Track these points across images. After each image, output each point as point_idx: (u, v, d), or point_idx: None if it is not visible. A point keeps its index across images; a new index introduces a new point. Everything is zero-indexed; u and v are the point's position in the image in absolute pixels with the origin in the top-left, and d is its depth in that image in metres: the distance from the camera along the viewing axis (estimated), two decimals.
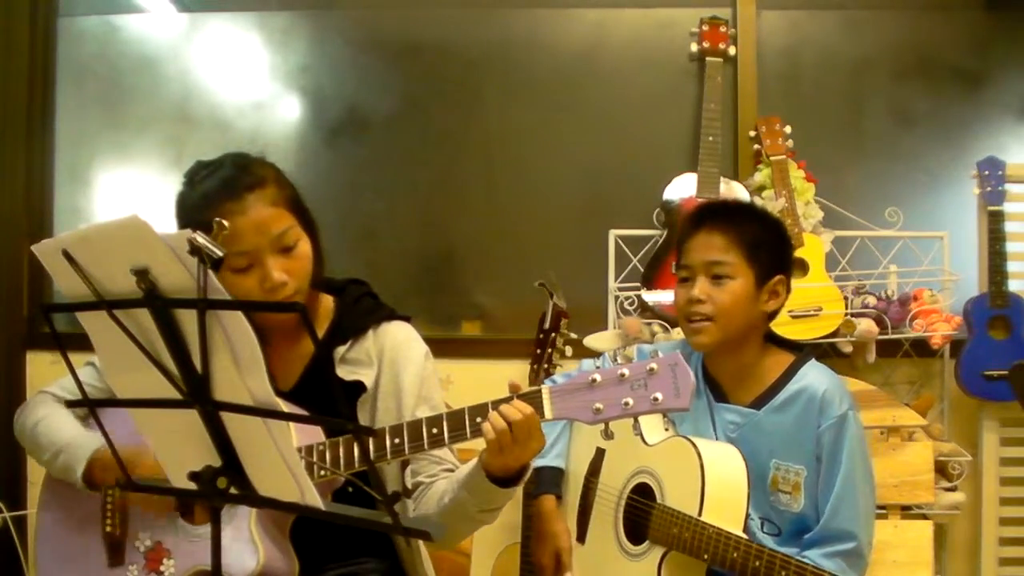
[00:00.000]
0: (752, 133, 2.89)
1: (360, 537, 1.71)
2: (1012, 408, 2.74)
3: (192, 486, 1.19)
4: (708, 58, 2.91)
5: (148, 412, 1.25)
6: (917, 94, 3.02)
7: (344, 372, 1.67)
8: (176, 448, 1.25)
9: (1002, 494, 2.86)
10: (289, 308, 1.14)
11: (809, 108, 3.00)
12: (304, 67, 3.14)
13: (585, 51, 3.06)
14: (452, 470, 1.67)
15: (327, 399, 1.61)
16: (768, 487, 1.79)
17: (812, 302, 2.66)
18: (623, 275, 2.87)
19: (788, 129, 2.84)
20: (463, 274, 3.13)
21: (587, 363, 2.06)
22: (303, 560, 1.60)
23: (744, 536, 1.64)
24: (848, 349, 2.73)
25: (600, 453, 1.92)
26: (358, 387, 1.68)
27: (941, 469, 2.64)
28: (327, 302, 1.76)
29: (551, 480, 2.00)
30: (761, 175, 2.82)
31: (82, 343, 1.25)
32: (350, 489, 1.62)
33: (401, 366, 1.70)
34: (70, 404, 1.65)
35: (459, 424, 1.46)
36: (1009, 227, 2.81)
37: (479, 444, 1.48)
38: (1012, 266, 2.80)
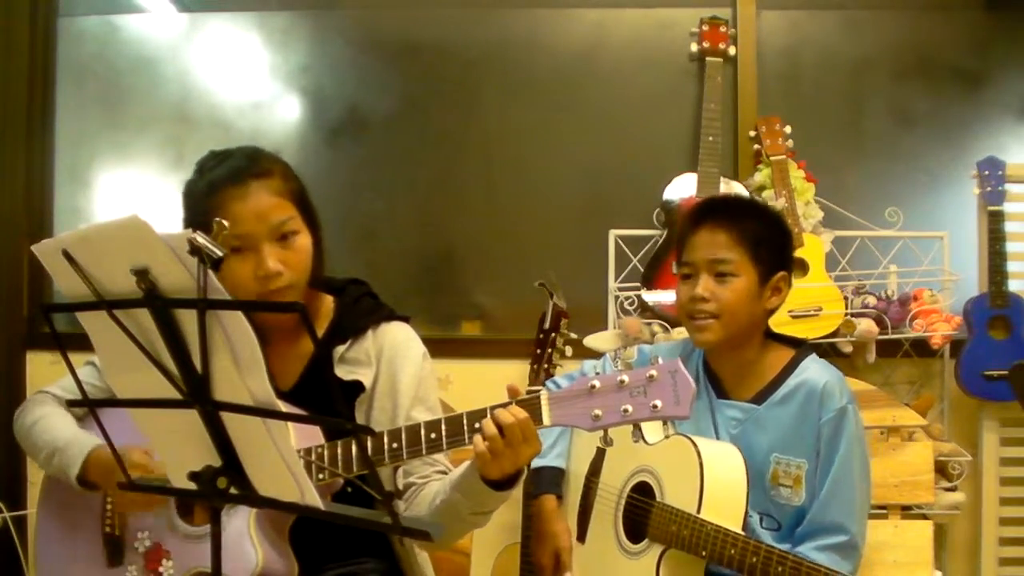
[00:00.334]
0: (752, 133, 2.89)
1: (359, 537, 1.71)
2: (1012, 408, 2.74)
3: (192, 486, 1.19)
4: (708, 58, 2.91)
5: (148, 412, 1.25)
6: (917, 94, 3.03)
7: (343, 372, 1.67)
8: (176, 448, 1.25)
9: (1002, 494, 2.86)
10: (289, 308, 1.14)
11: (809, 108, 3.00)
12: (304, 67, 3.14)
13: (585, 51, 3.06)
14: (445, 472, 1.67)
15: (326, 399, 1.61)
16: (768, 482, 1.79)
17: (812, 302, 2.66)
18: (623, 275, 2.87)
19: (788, 129, 2.84)
20: (463, 274, 3.13)
21: (589, 364, 2.06)
22: (302, 560, 1.60)
23: (742, 533, 1.64)
24: (848, 349, 2.73)
25: (600, 453, 1.92)
26: (357, 387, 1.68)
27: (941, 469, 2.64)
28: (327, 302, 1.76)
29: (551, 480, 2.00)
30: (761, 175, 2.82)
31: (82, 343, 1.24)
32: (349, 489, 1.61)
33: (398, 366, 1.70)
34: (70, 404, 1.65)
35: (457, 429, 1.45)
36: (1009, 227, 2.81)
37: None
38: (1012, 266, 2.80)
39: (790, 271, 1.88)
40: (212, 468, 1.18)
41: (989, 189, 2.81)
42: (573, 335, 2.65)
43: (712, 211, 1.87)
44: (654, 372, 1.32)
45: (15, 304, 3.07)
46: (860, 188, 2.97)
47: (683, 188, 2.84)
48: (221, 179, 1.59)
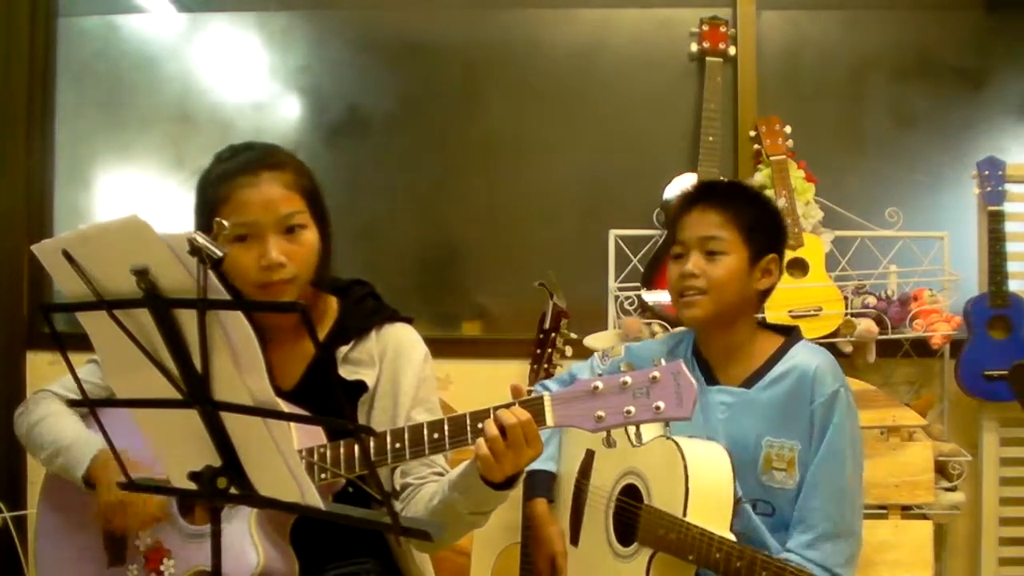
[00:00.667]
0: (752, 133, 2.89)
1: (360, 537, 1.71)
2: (1012, 408, 2.74)
3: (192, 486, 1.19)
4: (708, 58, 2.91)
5: (148, 412, 1.25)
6: (917, 94, 3.03)
7: (346, 372, 1.67)
8: (176, 448, 1.25)
9: (1002, 494, 2.86)
10: (290, 308, 1.14)
11: (809, 108, 3.00)
12: (304, 67, 3.14)
13: (585, 51, 3.06)
14: (442, 474, 1.67)
15: (328, 399, 1.61)
16: (760, 467, 1.78)
17: (812, 302, 2.66)
18: (623, 275, 2.87)
19: (788, 129, 2.84)
20: (463, 274, 3.13)
21: (577, 367, 2.07)
22: (303, 560, 1.60)
23: (727, 537, 1.64)
24: (848, 349, 2.74)
25: (590, 455, 1.92)
26: (360, 387, 1.68)
27: (941, 469, 2.64)
28: (331, 302, 1.76)
29: (542, 484, 2.00)
30: (761, 175, 2.82)
31: (82, 343, 1.25)
32: (350, 490, 1.62)
33: (400, 367, 1.70)
34: (70, 404, 1.66)
35: (460, 429, 1.45)
36: (1009, 227, 2.81)
37: None
38: (1012, 266, 2.80)
39: (782, 254, 1.88)
40: (212, 468, 1.18)
41: (989, 189, 2.81)
42: (573, 335, 2.65)
43: (704, 193, 1.89)
44: (657, 373, 1.32)
45: (15, 304, 3.07)
46: (860, 188, 2.96)
47: (683, 188, 2.83)
48: (235, 167, 1.60)
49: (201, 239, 1.06)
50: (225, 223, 1.23)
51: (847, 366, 2.72)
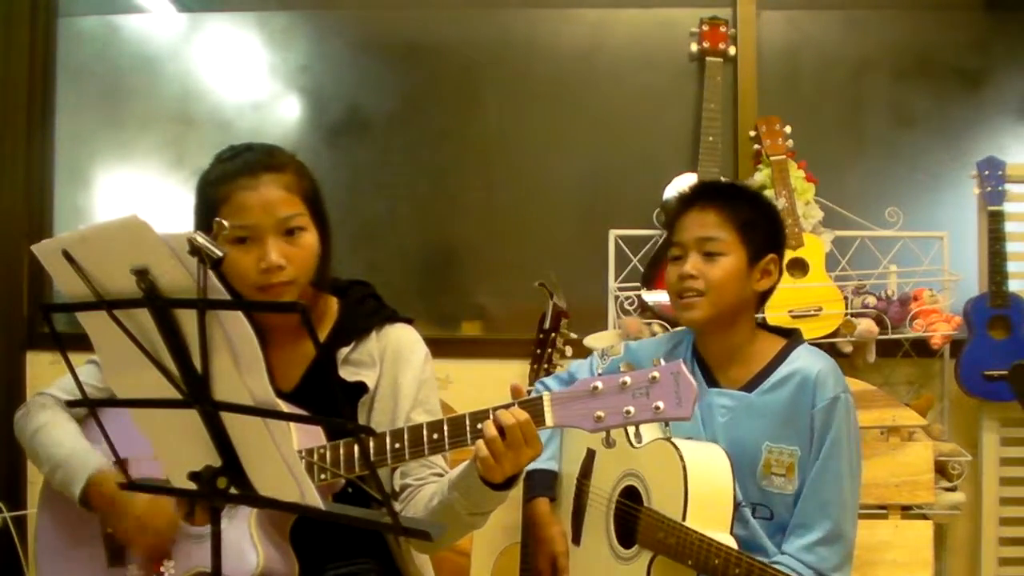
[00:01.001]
0: (752, 133, 2.89)
1: (360, 537, 1.71)
2: (1012, 408, 2.74)
3: (192, 486, 1.19)
4: (708, 58, 2.91)
5: (148, 412, 1.25)
6: (917, 94, 3.03)
7: (347, 373, 1.67)
8: (176, 448, 1.25)
9: (1002, 494, 2.86)
10: (290, 308, 1.14)
11: (809, 108, 3.00)
12: (304, 67, 3.14)
13: (585, 51, 3.06)
14: (441, 475, 1.67)
15: (329, 400, 1.61)
16: (760, 472, 1.78)
17: (812, 302, 2.66)
18: (623, 275, 2.87)
19: (788, 129, 2.84)
20: (463, 274, 3.13)
21: (575, 365, 2.07)
22: (303, 561, 1.60)
23: (727, 542, 1.63)
24: (848, 349, 2.73)
25: (591, 455, 1.92)
26: (360, 388, 1.68)
27: (941, 469, 2.64)
28: (332, 303, 1.76)
29: (544, 483, 1.99)
30: (761, 175, 2.82)
31: (82, 343, 1.24)
32: (350, 490, 1.62)
33: (400, 368, 1.70)
34: (70, 404, 1.65)
35: (460, 430, 1.45)
36: (1009, 227, 2.82)
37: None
38: (1012, 266, 2.80)
39: (781, 254, 1.87)
40: (212, 468, 1.18)
41: (989, 189, 2.81)
42: (573, 335, 2.65)
43: (702, 193, 1.88)
44: (656, 374, 1.32)
45: (15, 304, 3.07)
46: (860, 188, 2.97)
47: (680, 189, 2.83)
48: (235, 169, 1.60)
49: (201, 239, 1.06)
50: (225, 223, 1.23)
51: (847, 366, 2.73)
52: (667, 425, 1.76)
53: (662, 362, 1.33)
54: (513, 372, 2.71)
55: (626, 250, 2.88)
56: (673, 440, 1.72)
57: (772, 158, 2.80)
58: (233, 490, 1.19)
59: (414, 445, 1.47)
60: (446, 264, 3.14)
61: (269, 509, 1.27)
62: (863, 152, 3.03)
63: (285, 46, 3.15)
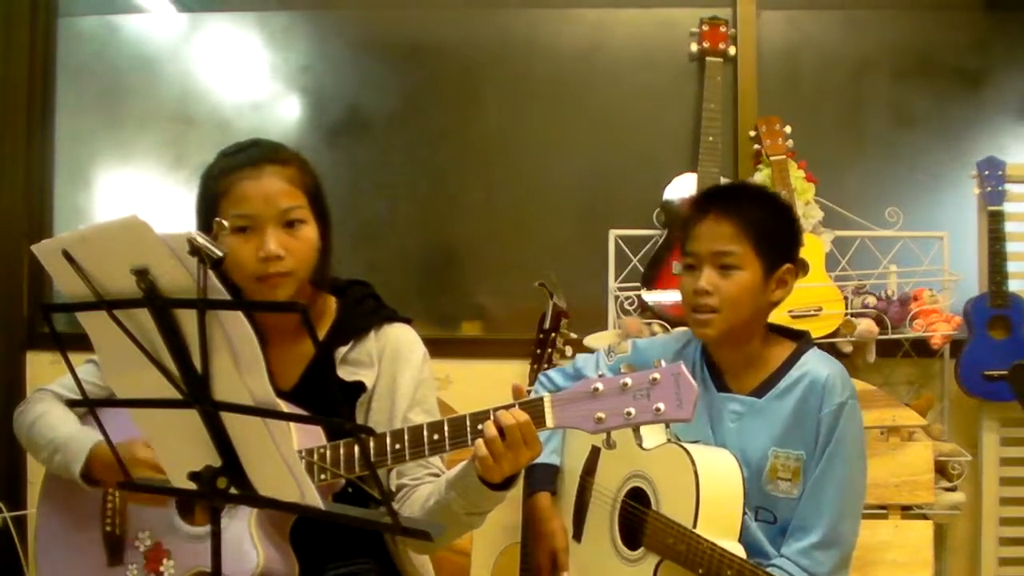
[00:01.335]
0: (752, 133, 2.89)
1: (359, 537, 1.71)
2: (1012, 408, 2.74)
3: (192, 486, 1.19)
4: (708, 58, 2.91)
5: (148, 412, 1.25)
6: (917, 94, 3.03)
7: (345, 373, 1.68)
8: (176, 448, 1.25)
9: (1002, 494, 2.86)
10: (290, 308, 1.14)
11: (809, 108, 3.00)
12: (304, 67, 3.14)
13: (585, 51, 3.06)
14: (437, 475, 1.67)
15: (328, 400, 1.61)
16: (766, 477, 1.77)
17: (812, 302, 2.66)
18: (623, 275, 2.87)
19: (788, 129, 2.84)
20: (463, 274, 3.13)
21: (581, 359, 2.06)
22: (303, 561, 1.60)
23: (738, 552, 1.62)
24: (848, 349, 2.73)
25: (595, 451, 1.91)
26: (359, 387, 1.68)
27: (941, 469, 2.64)
28: (330, 302, 1.76)
29: (546, 477, 1.98)
30: (761, 175, 2.82)
31: (82, 343, 1.25)
32: (350, 490, 1.62)
33: (399, 368, 1.70)
34: (70, 404, 1.65)
35: (460, 430, 1.45)
36: (1009, 227, 2.82)
37: None
38: (1012, 266, 2.80)
39: (797, 263, 1.84)
40: (212, 468, 1.18)
41: (989, 189, 2.81)
42: (573, 335, 2.65)
43: (717, 200, 1.82)
44: (657, 375, 1.32)
45: (15, 304, 3.07)
46: (860, 188, 2.97)
47: (683, 188, 2.84)
48: (239, 161, 1.62)
49: (201, 239, 1.06)
50: (225, 223, 1.23)
51: (847, 366, 2.69)
52: (668, 426, 1.76)
53: (663, 363, 1.33)
54: (513, 372, 2.71)
55: (626, 250, 2.88)
56: (684, 445, 1.71)
57: (772, 158, 2.80)
58: (233, 490, 1.19)
59: (414, 445, 1.46)
60: (446, 264, 3.14)
61: (269, 509, 1.27)
62: (863, 152, 3.03)
63: (285, 46, 3.15)
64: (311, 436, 1.54)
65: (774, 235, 1.79)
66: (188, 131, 3.13)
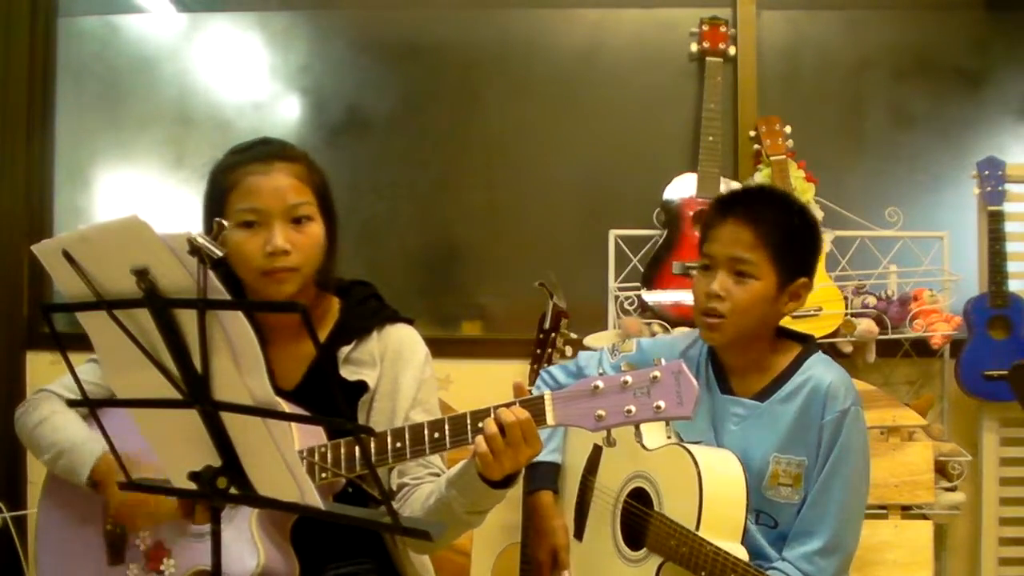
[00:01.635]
0: (752, 133, 2.89)
1: (360, 537, 1.71)
2: (1012, 408, 2.74)
3: (192, 486, 1.19)
4: (708, 58, 2.91)
5: (148, 412, 1.25)
6: (917, 94, 3.03)
7: (348, 372, 1.68)
8: (176, 448, 1.25)
9: (1002, 494, 2.86)
10: (291, 308, 1.14)
11: (809, 108, 3.00)
12: (304, 67, 3.14)
13: (585, 51, 3.06)
14: (438, 474, 1.66)
15: (329, 399, 1.61)
16: (767, 482, 1.76)
17: (812, 302, 2.65)
18: (623, 275, 2.87)
19: (788, 129, 2.84)
20: (463, 274, 3.13)
21: (584, 356, 2.05)
22: (303, 560, 1.60)
23: (741, 556, 1.62)
24: (848, 349, 2.74)
25: (598, 450, 1.91)
26: (361, 387, 1.68)
27: (941, 469, 2.64)
28: (333, 303, 1.76)
29: (547, 476, 1.98)
30: (761, 175, 2.82)
31: (82, 343, 1.25)
32: (350, 490, 1.62)
33: (400, 368, 1.70)
34: (70, 404, 1.65)
35: (461, 429, 1.45)
36: (1009, 227, 2.82)
37: None
38: (1012, 266, 2.80)
39: (812, 277, 1.82)
40: (212, 468, 1.18)
41: (989, 189, 2.81)
42: (573, 335, 2.65)
43: (741, 204, 1.78)
44: (657, 373, 1.32)
45: (15, 304, 3.07)
46: (860, 188, 2.97)
47: (683, 188, 2.84)
48: (248, 157, 1.63)
49: (201, 239, 1.06)
50: (225, 223, 1.23)
51: (847, 366, 2.70)
52: (670, 426, 1.76)
53: (663, 361, 1.33)
54: (513, 372, 2.71)
55: (626, 250, 2.88)
56: (687, 446, 1.71)
57: (772, 158, 2.80)
58: (233, 490, 1.19)
59: (415, 444, 1.46)
60: (447, 264, 3.14)
61: (269, 509, 1.27)
62: (863, 152, 3.03)
63: (285, 46, 3.15)
64: (312, 435, 1.54)
65: (794, 248, 1.76)
66: (188, 131, 3.13)
